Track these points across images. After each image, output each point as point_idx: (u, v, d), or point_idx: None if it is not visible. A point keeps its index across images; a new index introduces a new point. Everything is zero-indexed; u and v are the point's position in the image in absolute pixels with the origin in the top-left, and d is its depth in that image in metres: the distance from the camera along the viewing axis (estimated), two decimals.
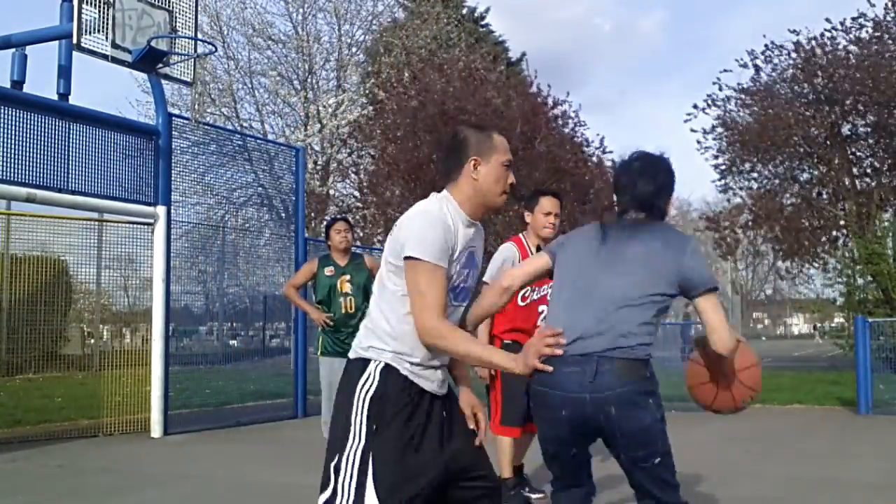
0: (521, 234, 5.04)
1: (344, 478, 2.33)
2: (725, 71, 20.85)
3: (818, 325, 56.29)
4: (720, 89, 20.13)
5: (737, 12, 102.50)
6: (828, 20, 18.34)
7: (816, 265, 20.89)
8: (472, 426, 2.52)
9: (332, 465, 2.36)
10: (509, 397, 4.81)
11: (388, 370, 2.39)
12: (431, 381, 2.44)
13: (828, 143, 19.38)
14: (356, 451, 2.33)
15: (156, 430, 7.90)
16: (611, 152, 23.32)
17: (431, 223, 2.37)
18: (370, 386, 2.38)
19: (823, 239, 20.30)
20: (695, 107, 20.44)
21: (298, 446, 7.55)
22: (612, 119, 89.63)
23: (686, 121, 20.62)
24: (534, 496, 4.98)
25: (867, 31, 18.12)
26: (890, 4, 17.64)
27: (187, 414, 8.96)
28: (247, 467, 6.32)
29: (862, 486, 5.35)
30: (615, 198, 2.82)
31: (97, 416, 8.33)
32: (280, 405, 10.00)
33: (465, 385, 2.64)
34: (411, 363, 2.40)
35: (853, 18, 18.19)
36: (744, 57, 19.84)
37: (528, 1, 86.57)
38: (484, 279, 4.69)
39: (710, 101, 20.15)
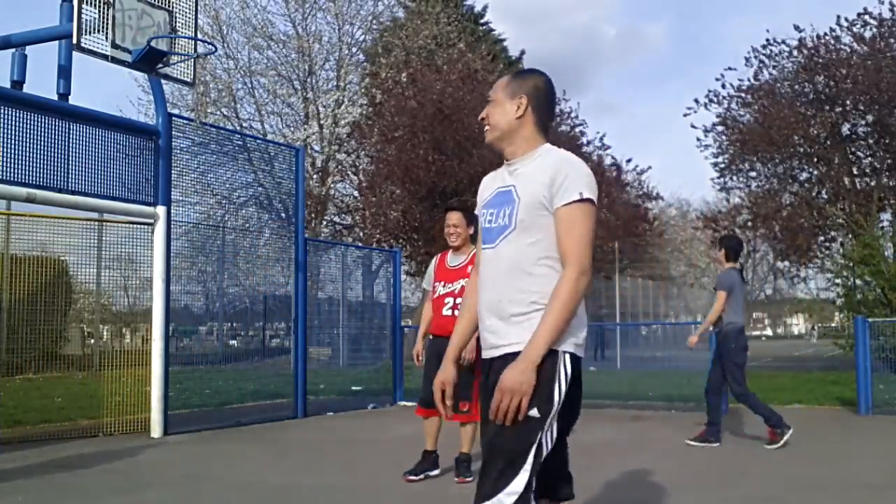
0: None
1: None
2: (730, 69, 20.82)
3: (816, 325, 56.55)
4: (723, 86, 20.15)
5: (740, 16, 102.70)
6: (837, 17, 18.37)
7: (813, 266, 20.91)
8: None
9: None
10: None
11: None
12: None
13: (828, 142, 19.38)
14: None
15: (156, 430, 7.89)
16: (609, 148, 23.32)
17: None
18: None
19: (822, 239, 20.30)
20: (696, 101, 20.47)
21: (298, 446, 7.56)
22: (615, 121, 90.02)
23: (686, 115, 20.69)
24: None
25: (871, 30, 18.12)
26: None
27: (187, 414, 8.96)
28: (247, 467, 6.32)
29: (862, 486, 5.35)
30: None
31: (97, 416, 8.33)
32: (280, 405, 10.00)
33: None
34: None
35: (858, 14, 18.20)
36: (748, 56, 19.89)
37: (536, 6, 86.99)
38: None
39: (711, 98, 20.18)
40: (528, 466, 2.27)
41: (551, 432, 2.34)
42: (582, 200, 2.37)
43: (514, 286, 2.41)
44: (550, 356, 2.32)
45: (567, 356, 2.37)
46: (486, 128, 2.60)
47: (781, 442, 6.90)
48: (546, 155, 2.51)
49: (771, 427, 7.02)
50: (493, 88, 2.63)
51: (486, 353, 2.48)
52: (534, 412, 2.26)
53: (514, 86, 2.57)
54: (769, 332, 69.79)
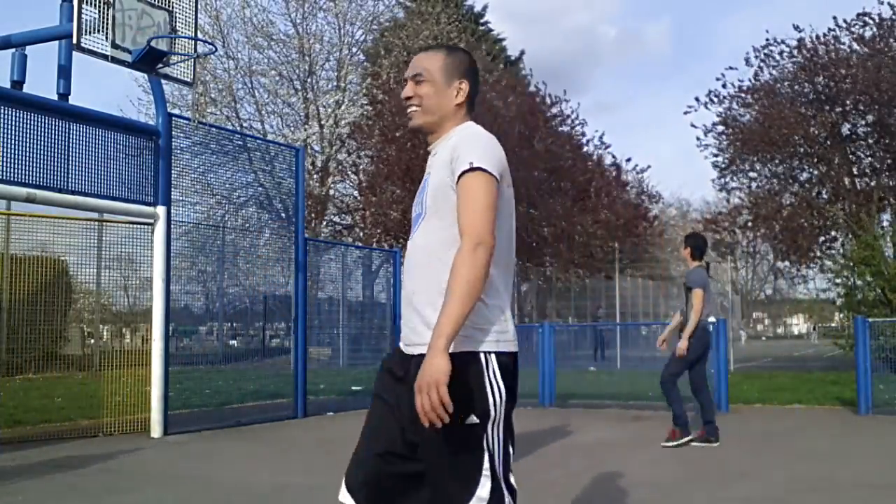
0: None
1: None
2: (731, 69, 20.78)
3: (816, 325, 56.62)
4: (724, 86, 20.16)
5: (740, 15, 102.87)
6: (834, 18, 18.40)
7: (813, 266, 20.93)
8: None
9: None
10: None
11: None
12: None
13: (828, 142, 19.39)
14: None
15: (156, 430, 7.89)
16: (609, 147, 23.34)
17: None
18: None
19: (822, 239, 20.31)
20: (696, 100, 20.47)
21: (298, 446, 7.56)
22: (615, 121, 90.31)
23: (686, 113, 20.73)
24: None
25: (871, 30, 18.14)
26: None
27: (187, 414, 8.96)
28: (247, 467, 6.32)
29: (862, 486, 5.35)
30: None
31: (97, 416, 8.33)
32: (280, 405, 10.01)
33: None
34: None
35: (858, 14, 18.22)
36: (748, 56, 19.92)
37: (536, 7, 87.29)
38: None
39: (711, 97, 20.20)
40: (487, 472, 2.10)
41: (498, 436, 2.14)
42: (472, 170, 2.10)
43: (425, 275, 2.19)
44: (474, 361, 2.09)
45: (493, 356, 2.12)
46: (414, 109, 2.30)
47: (677, 443, 7.08)
48: (455, 135, 2.25)
49: (677, 427, 7.14)
50: (418, 63, 2.31)
51: (405, 349, 2.25)
52: (472, 419, 2.05)
53: (452, 67, 2.29)
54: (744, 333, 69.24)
